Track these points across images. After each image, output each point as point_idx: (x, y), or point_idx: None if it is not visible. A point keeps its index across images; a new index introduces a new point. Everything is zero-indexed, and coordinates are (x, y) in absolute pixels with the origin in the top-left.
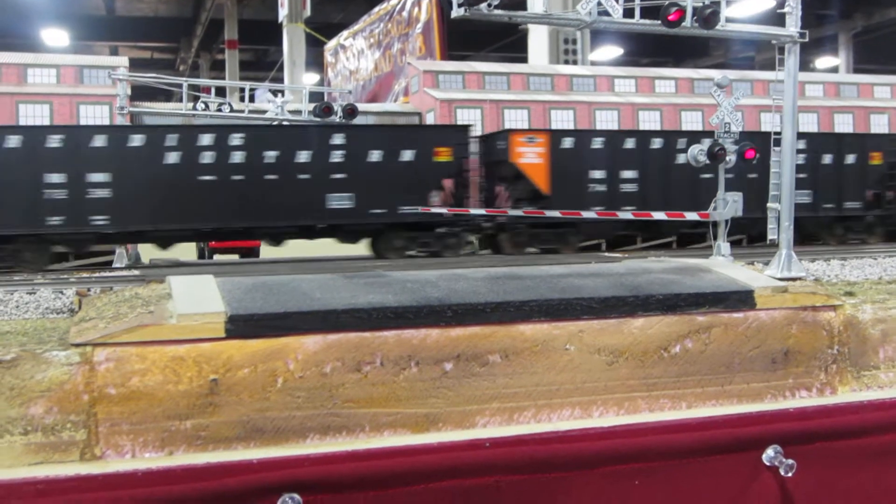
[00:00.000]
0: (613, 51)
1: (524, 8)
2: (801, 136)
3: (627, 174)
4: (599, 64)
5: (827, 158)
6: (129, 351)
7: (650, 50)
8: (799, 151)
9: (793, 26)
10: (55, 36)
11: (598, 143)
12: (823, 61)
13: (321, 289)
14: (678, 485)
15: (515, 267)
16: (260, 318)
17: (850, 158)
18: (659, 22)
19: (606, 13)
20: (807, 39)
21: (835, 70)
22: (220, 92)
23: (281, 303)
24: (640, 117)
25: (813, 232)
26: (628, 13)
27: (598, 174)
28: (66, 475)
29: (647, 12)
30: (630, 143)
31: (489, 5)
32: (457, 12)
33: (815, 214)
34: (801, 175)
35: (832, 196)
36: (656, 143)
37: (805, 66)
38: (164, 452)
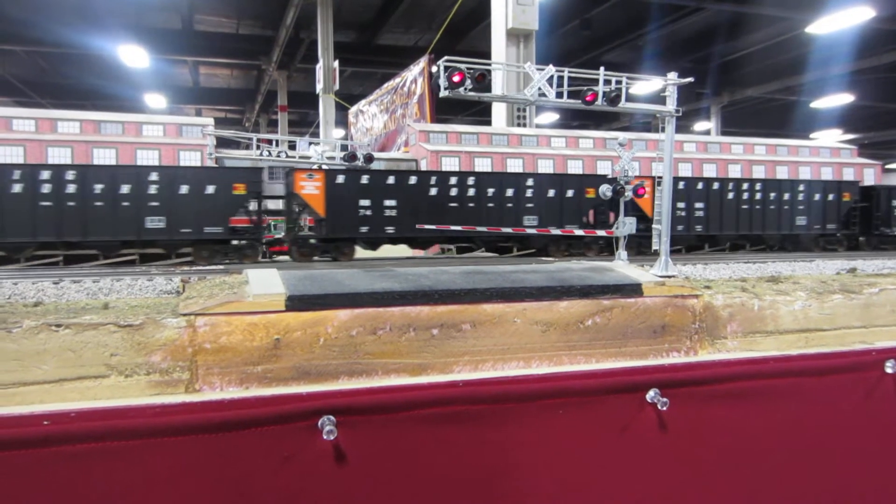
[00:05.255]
0: (552, 116)
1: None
2: (530, 175)
3: (389, 202)
4: (542, 125)
5: (551, 192)
6: (219, 319)
7: (578, 116)
8: (529, 186)
9: (671, 105)
10: (156, 100)
11: (364, 179)
12: (700, 125)
13: (349, 278)
14: (588, 414)
15: (482, 265)
16: (308, 297)
17: (570, 192)
18: (580, 101)
19: (545, 95)
20: (681, 114)
21: (707, 132)
22: (275, 142)
23: (322, 287)
24: (568, 164)
25: (543, 246)
26: (560, 95)
27: (364, 202)
28: (174, 402)
29: (573, 94)
30: (391, 180)
31: (465, 89)
32: (444, 93)
33: (546, 234)
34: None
35: (556, 220)
36: (412, 180)
37: (686, 129)
38: (242, 387)
